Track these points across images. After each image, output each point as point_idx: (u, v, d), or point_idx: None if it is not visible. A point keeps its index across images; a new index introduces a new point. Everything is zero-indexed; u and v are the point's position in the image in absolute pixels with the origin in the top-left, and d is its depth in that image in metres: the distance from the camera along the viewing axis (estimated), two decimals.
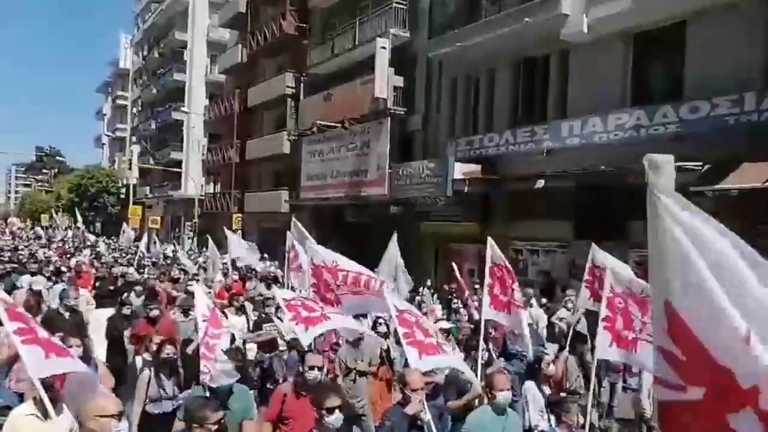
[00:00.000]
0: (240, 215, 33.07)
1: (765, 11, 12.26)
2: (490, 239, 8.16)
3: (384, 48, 21.59)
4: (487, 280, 7.75)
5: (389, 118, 21.93)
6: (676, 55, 13.86)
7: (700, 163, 12.26)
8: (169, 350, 6.52)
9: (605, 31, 14.85)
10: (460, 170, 17.79)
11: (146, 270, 17.70)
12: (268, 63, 33.90)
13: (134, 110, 61.03)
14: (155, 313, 8.97)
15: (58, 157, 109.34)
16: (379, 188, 21.79)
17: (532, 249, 17.60)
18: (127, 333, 8.89)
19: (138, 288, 11.97)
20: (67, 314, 9.19)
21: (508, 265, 7.88)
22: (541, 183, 15.83)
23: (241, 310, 10.30)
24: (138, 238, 27.98)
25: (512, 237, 17.82)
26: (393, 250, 12.41)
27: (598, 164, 14.35)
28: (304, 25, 29.27)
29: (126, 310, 9.58)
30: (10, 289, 11.50)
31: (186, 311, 9.71)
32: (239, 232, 31.40)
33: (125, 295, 10.56)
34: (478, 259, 18.69)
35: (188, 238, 39.73)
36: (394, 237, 12.41)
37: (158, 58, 51.73)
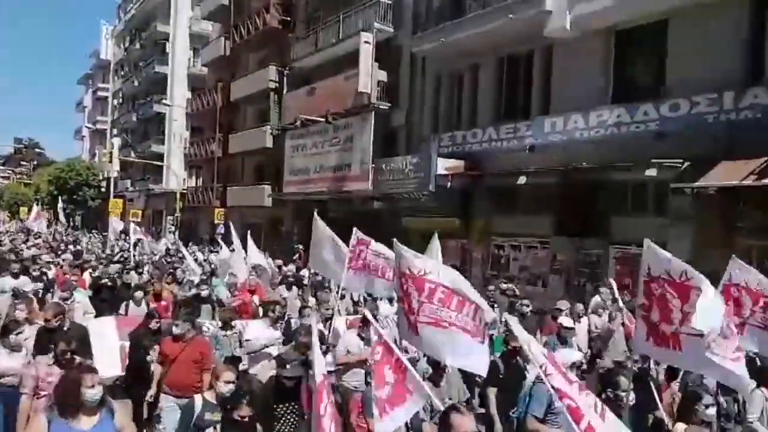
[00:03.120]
0: (222, 209, 32.87)
1: (746, 10, 12.41)
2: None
3: (368, 42, 21.56)
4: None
5: (373, 113, 21.91)
6: (657, 53, 13.99)
7: (680, 161, 12.42)
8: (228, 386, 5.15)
9: (588, 28, 14.94)
10: (442, 166, 17.85)
11: (145, 270, 15.83)
12: (251, 56, 33.70)
13: (115, 102, 60.34)
14: (178, 330, 7.00)
15: (37, 149, 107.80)
16: (363, 183, 21.77)
17: (513, 245, 17.70)
18: (152, 356, 7.37)
19: (138, 294, 10.38)
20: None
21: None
22: (523, 179, 15.94)
23: (277, 321, 8.67)
24: (125, 231, 27.15)
25: (494, 232, 17.93)
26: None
27: (579, 161, 14.47)
28: (288, 18, 29.13)
29: (155, 325, 7.87)
30: None
31: (226, 323, 8.58)
32: (221, 226, 31.30)
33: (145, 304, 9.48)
34: (460, 255, 18.83)
35: (170, 232, 39.41)
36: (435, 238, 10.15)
37: (140, 49, 51.16)
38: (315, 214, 10.68)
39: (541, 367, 4.06)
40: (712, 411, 5.70)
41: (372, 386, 4.64)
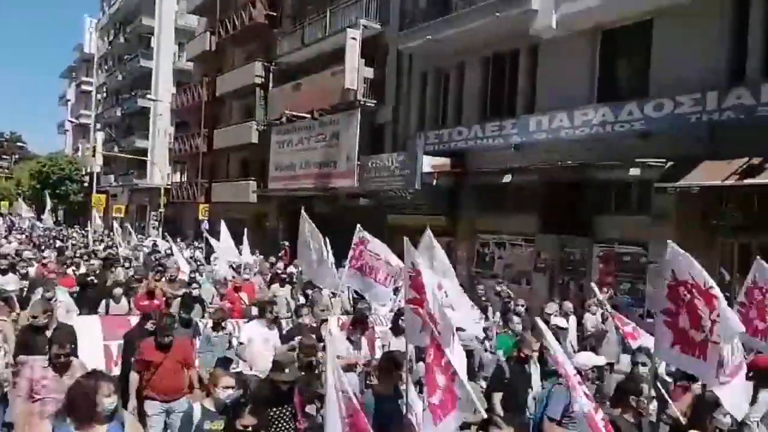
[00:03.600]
0: (207, 205, 32.67)
1: (730, 11, 12.51)
2: None
3: (354, 39, 21.50)
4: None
5: (359, 110, 21.86)
6: (642, 52, 14.07)
7: (663, 160, 12.50)
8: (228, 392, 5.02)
9: (574, 27, 14.99)
10: (428, 163, 17.85)
11: (132, 267, 15.64)
12: (237, 51, 33.48)
13: (99, 97, 59.77)
14: (166, 341, 6.76)
15: (18, 143, 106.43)
16: (348, 180, 21.73)
17: (498, 242, 17.76)
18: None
19: (117, 291, 10.22)
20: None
21: None
22: (508, 177, 15.98)
23: (275, 321, 8.43)
24: (110, 228, 26.86)
25: (479, 230, 17.98)
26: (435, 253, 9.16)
27: (564, 160, 14.54)
28: (274, 13, 29.01)
29: (150, 326, 7.61)
30: None
31: (217, 324, 8.50)
32: (206, 222, 31.12)
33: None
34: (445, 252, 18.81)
35: (153, 228, 39.13)
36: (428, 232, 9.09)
37: (124, 43, 50.70)
38: (302, 211, 10.59)
39: (565, 376, 4.19)
40: (728, 420, 5.69)
41: (425, 393, 4.60)
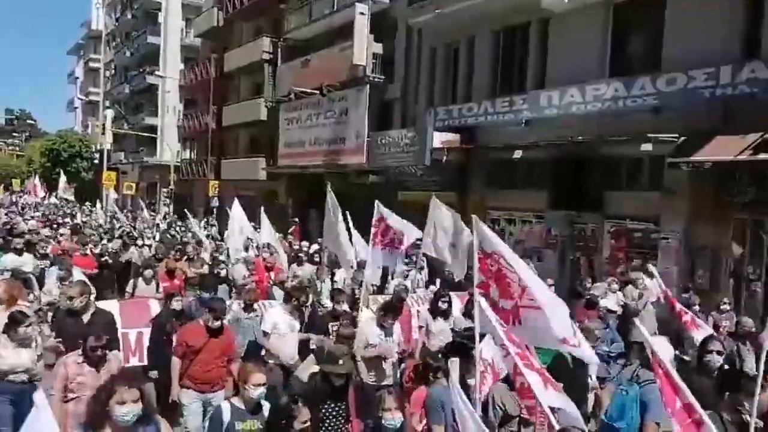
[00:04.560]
0: (216, 182, 32.77)
1: None
2: None
3: (363, 14, 21.30)
4: None
5: (368, 86, 21.75)
6: (655, 26, 13.86)
7: (676, 135, 12.39)
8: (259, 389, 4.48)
9: (585, 0, 14.77)
10: (438, 139, 17.77)
11: (152, 246, 14.72)
12: (245, 27, 33.27)
13: (107, 74, 59.61)
14: (217, 324, 6.25)
15: (29, 121, 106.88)
16: (358, 157, 21.70)
17: (508, 218, 17.73)
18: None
19: (147, 272, 9.73)
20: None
21: None
22: (518, 153, 15.87)
23: (299, 309, 7.83)
24: (123, 205, 26.58)
25: (489, 207, 17.93)
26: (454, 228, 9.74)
27: (575, 135, 14.43)
28: None
29: (176, 304, 7.26)
30: None
31: (249, 305, 7.90)
32: (216, 199, 31.24)
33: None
34: None
35: (164, 204, 39.30)
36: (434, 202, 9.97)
37: (132, 20, 50.40)
38: (328, 187, 10.25)
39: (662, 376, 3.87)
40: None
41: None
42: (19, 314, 5.79)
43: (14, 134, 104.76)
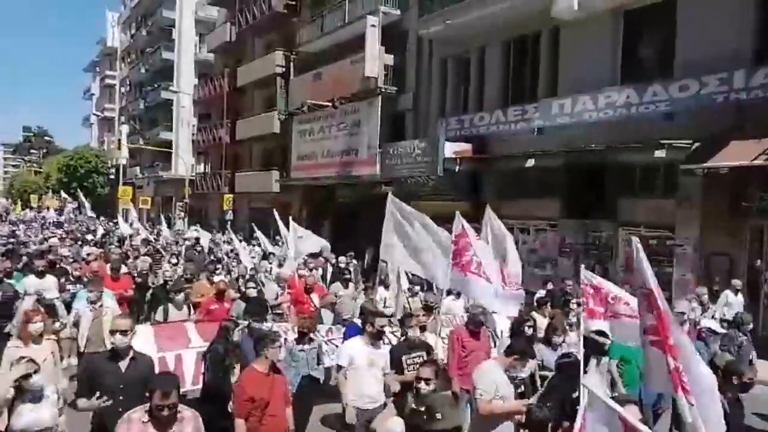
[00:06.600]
0: (231, 196, 32.97)
1: None
2: None
3: (374, 26, 21.42)
4: None
5: (380, 97, 21.82)
6: (666, 32, 13.83)
7: (690, 141, 12.32)
8: None
9: (596, 8, 14.76)
10: (450, 149, 17.79)
11: (180, 266, 12.96)
12: (257, 41, 33.58)
13: (123, 90, 60.37)
14: (276, 354, 5.35)
15: (46, 137, 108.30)
16: (371, 168, 21.75)
17: (522, 227, 17.66)
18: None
19: (179, 297, 8.61)
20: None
21: None
22: (531, 162, 15.86)
23: (379, 338, 6.30)
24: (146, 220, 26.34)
25: (502, 216, 17.78)
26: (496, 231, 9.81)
27: (588, 143, 14.39)
28: (294, 2, 28.92)
29: (238, 335, 6.35)
30: (11, 300, 8.18)
31: (303, 334, 6.74)
32: (230, 212, 31.39)
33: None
34: None
35: (179, 218, 39.59)
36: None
37: (146, 36, 51.08)
38: (390, 195, 9.32)
39: None
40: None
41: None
42: (28, 363, 4.91)
43: (32, 151, 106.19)
